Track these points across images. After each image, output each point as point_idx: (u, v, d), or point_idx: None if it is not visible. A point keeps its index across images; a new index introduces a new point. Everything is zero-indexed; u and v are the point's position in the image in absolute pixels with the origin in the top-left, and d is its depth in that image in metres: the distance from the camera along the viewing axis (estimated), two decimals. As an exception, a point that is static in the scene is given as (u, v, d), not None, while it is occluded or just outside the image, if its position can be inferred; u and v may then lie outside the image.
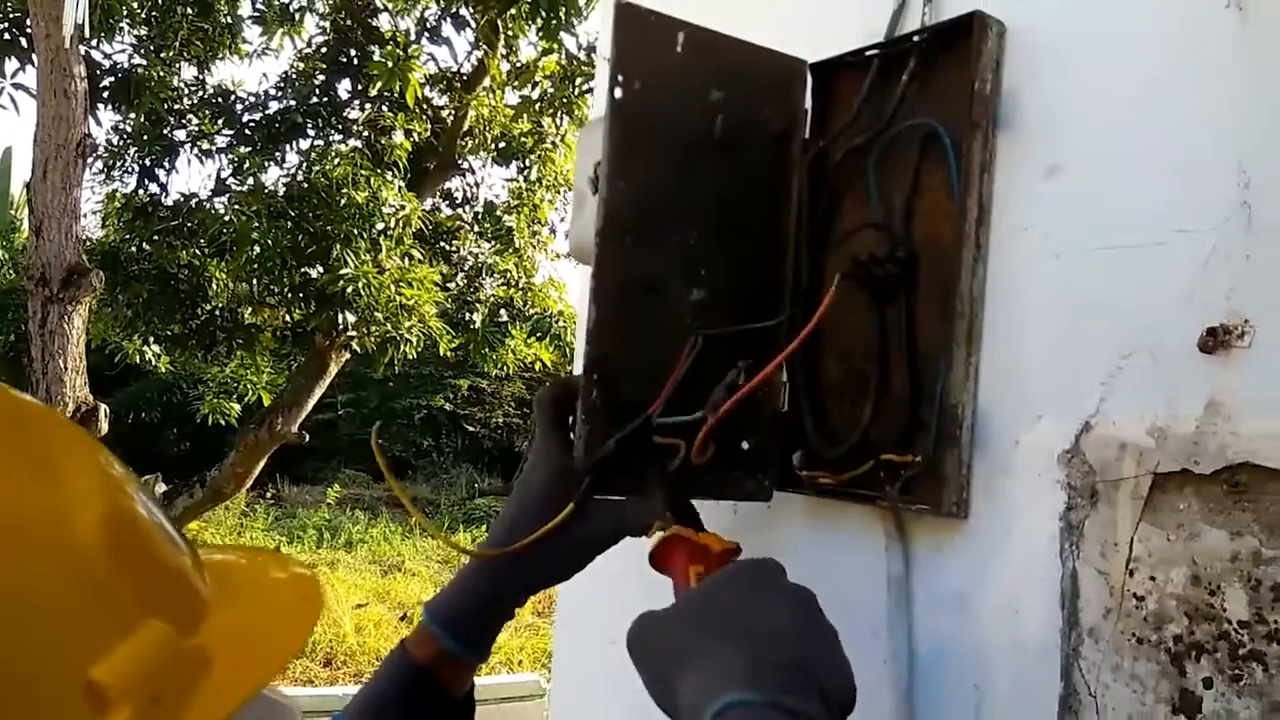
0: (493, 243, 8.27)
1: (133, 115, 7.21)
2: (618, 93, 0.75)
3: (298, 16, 7.35)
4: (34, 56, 5.20)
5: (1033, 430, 0.72)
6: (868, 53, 0.82)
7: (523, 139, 7.91)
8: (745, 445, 0.86)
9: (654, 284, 0.80)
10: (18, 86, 6.22)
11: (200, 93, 7.69)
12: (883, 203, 0.82)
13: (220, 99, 7.61)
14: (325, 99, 7.48)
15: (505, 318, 8.09)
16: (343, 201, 6.42)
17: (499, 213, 8.28)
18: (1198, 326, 0.62)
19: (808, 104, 0.87)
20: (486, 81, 7.72)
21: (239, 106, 7.55)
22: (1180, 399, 0.64)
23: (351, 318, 6.34)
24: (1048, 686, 0.69)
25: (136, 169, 7.45)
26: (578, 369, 0.88)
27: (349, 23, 7.39)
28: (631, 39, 0.76)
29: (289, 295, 6.76)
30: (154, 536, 0.48)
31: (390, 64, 6.76)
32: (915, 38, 0.78)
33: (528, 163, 8.10)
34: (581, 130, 0.93)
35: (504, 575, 0.76)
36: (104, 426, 5.12)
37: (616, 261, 0.77)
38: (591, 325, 0.77)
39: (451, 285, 8.15)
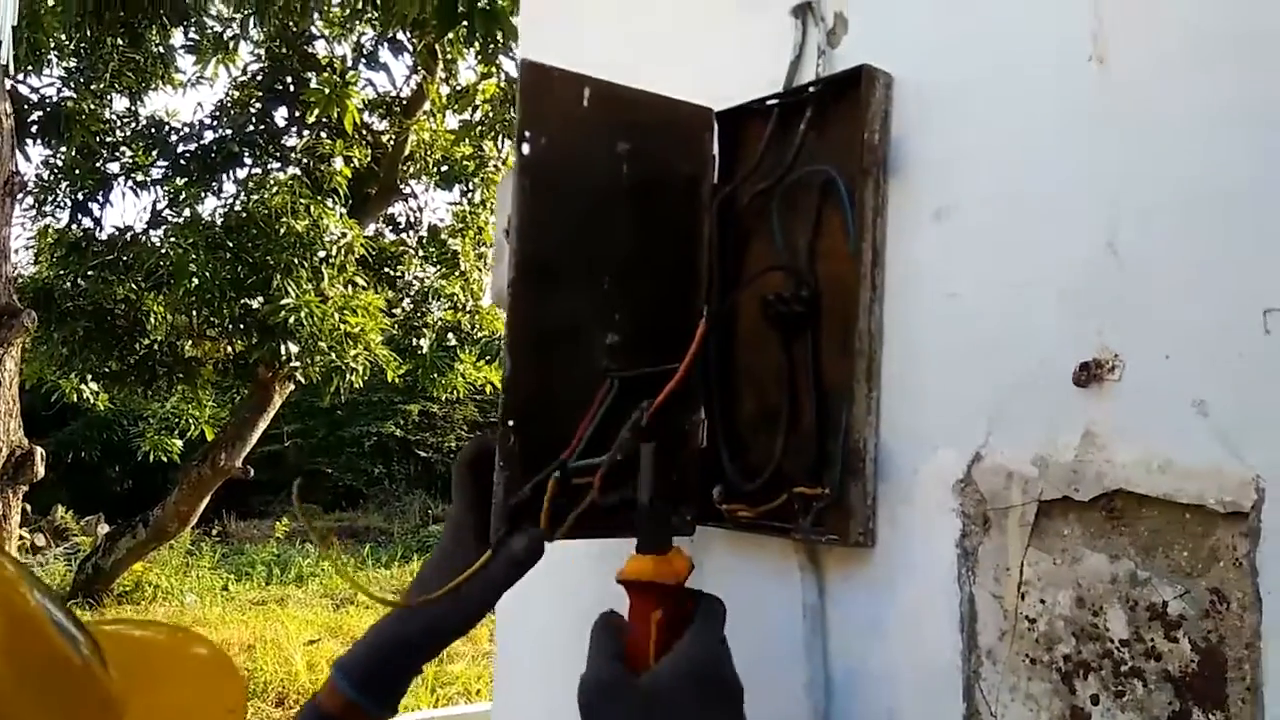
0: (438, 266, 8.25)
1: (63, 149, 7.08)
2: (525, 148, 0.78)
3: (231, 45, 7.29)
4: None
5: (930, 461, 0.75)
6: (769, 102, 0.86)
7: (465, 162, 7.91)
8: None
9: (568, 330, 0.83)
10: (-59, 123, 6.07)
11: (133, 124, 7.59)
12: (787, 244, 0.85)
13: (154, 130, 7.52)
14: (262, 127, 7.43)
15: (453, 341, 8.06)
16: (282, 231, 6.37)
17: (443, 236, 8.26)
18: (1072, 361, 0.66)
19: (715, 150, 0.90)
20: (426, 105, 7.72)
21: (174, 137, 7.46)
22: (1059, 430, 0.67)
23: (294, 348, 6.27)
24: (953, 707, 0.72)
25: (69, 203, 7.32)
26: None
27: (284, 50, 7.35)
28: (537, 96, 0.79)
29: (229, 327, 6.68)
30: (56, 643, 0.46)
31: (327, 90, 6.74)
32: (811, 89, 0.82)
33: (470, 186, 8.10)
34: (500, 182, 0.95)
35: (410, 627, 0.78)
36: (41, 470, 5.00)
37: (530, 310, 0.79)
38: (507, 374, 0.79)
39: (397, 310, 8.10)
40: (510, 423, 0.79)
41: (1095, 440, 0.66)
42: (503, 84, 7.15)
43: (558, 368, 0.82)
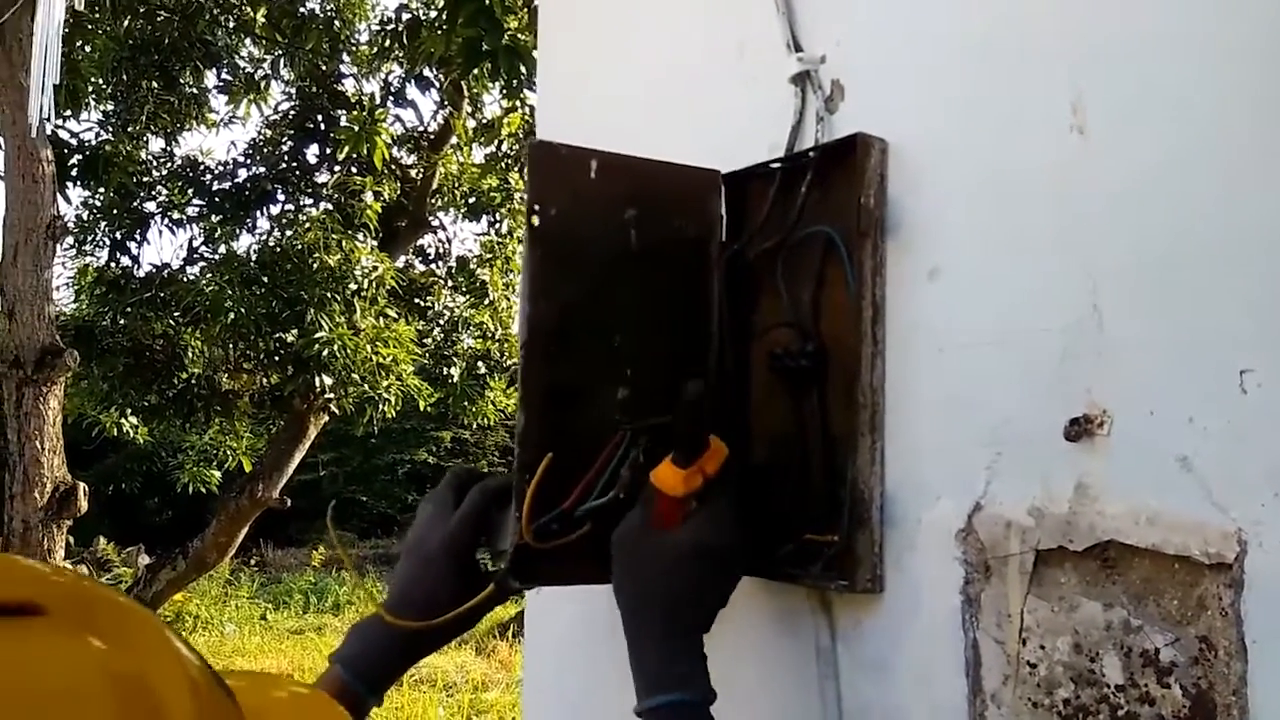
0: (467, 296, 8.33)
1: (102, 190, 7.26)
2: (535, 220, 0.82)
3: (263, 85, 7.46)
4: (0, 141, 5.26)
5: (933, 510, 0.78)
6: (771, 165, 0.90)
7: (491, 194, 8.00)
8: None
9: (580, 387, 0.87)
10: (-14, 170, 6.28)
11: (169, 164, 7.76)
12: (792, 300, 0.89)
13: (189, 169, 7.68)
14: (294, 164, 7.57)
15: (483, 370, 8.12)
16: (315, 265, 6.48)
17: (472, 266, 8.35)
18: (1063, 416, 0.69)
19: (723, 210, 0.94)
20: (453, 139, 7.84)
21: (208, 176, 7.62)
22: (1053, 482, 0.70)
23: (329, 380, 6.37)
24: (960, 749, 0.75)
25: (108, 243, 7.49)
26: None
27: (315, 89, 7.50)
28: (545, 172, 0.84)
29: (265, 360, 6.80)
30: (225, 705, 0.48)
31: (357, 128, 6.86)
32: (810, 154, 0.86)
33: (498, 216, 8.19)
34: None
35: (406, 639, 0.86)
36: (84, 505, 5.12)
37: (541, 371, 0.84)
38: (520, 429, 0.83)
39: (428, 340, 8.19)
40: (527, 475, 0.84)
41: (1088, 492, 0.69)
42: (527, 117, 7.25)
43: (570, 421, 0.87)
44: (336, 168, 7.29)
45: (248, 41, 7.44)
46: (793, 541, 0.86)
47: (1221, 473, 0.62)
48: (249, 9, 6.87)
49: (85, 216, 7.56)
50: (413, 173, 7.84)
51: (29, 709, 0.39)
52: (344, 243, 6.56)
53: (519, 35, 5.27)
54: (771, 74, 0.91)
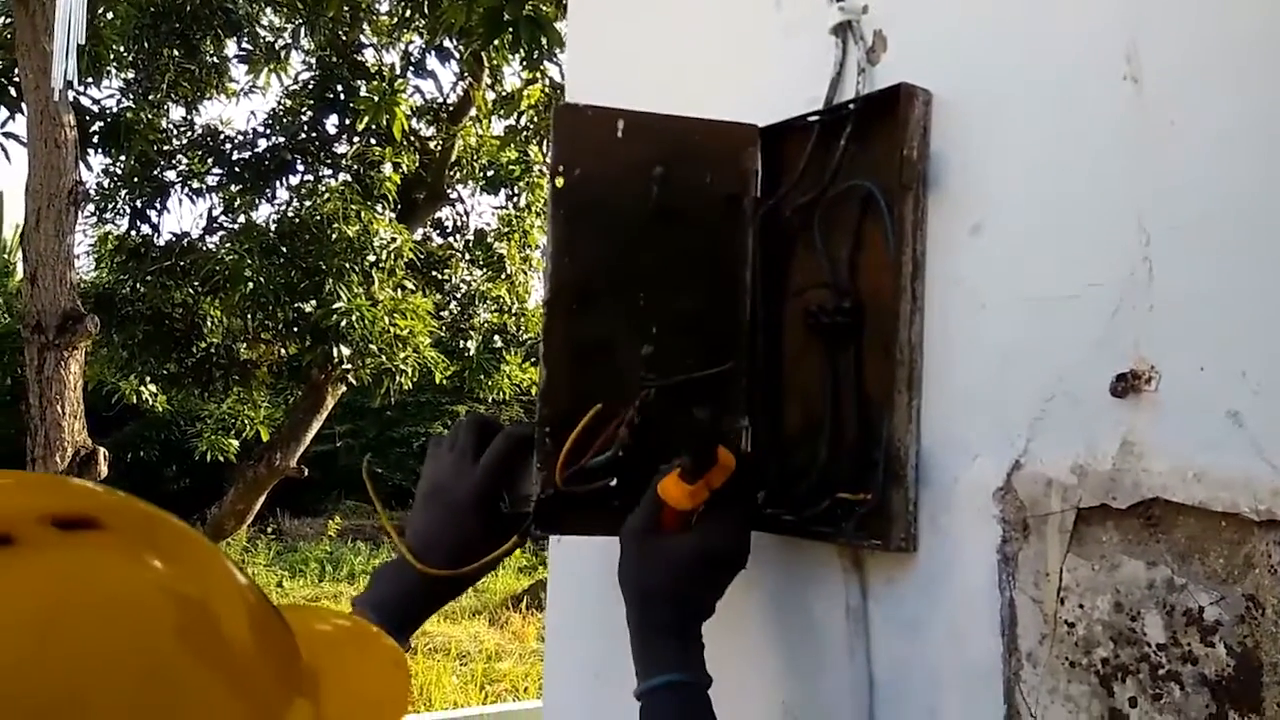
0: (484, 270, 8.34)
1: (123, 158, 7.28)
2: (559, 181, 0.82)
3: (284, 55, 7.46)
4: (24, 106, 5.27)
5: (970, 469, 0.77)
6: (809, 118, 0.88)
7: (510, 167, 7.99)
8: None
9: (603, 344, 0.87)
10: (8, 135, 6.31)
11: (189, 133, 7.78)
12: (829, 256, 0.88)
13: (209, 138, 7.70)
14: (313, 135, 7.58)
15: (500, 344, 8.14)
16: (334, 236, 6.50)
17: (489, 240, 8.36)
18: (1110, 372, 0.68)
19: (758, 165, 0.93)
20: (472, 111, 7.82)
21: (228, 145, 7.63)
22: (1098, 439, 0.69)
23: (346, 351, 6.40)
24: (993, 708, 0.74)
25: (128, 211, 7.52)
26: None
27: (335, 59, 7.48)
28: (570, 133, 0.83)
29: (283, 330, 6.83)
30: (279, 628, 0.48)
31: (377, 98, 6.86)
32: (851, 105, 0.84)
33: (516, 190, 8.18)
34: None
35: (432, 584, 0.87)
36: (103, 469, 5.16)
37: (564, 328, 0.84)
38: (542, 386, 0.83)
39: (445, 313, 8.21)
40: (546, 429, 0.84)
41: (1133, 449, 0.67)
42: (547, 89, 7.22)
43: (593, 378, 0.87)
44: (356, 138, 7.30)
45: (268, 10, 7.43)
46: (825, 500, 0.86)
47: (1274, 428, 0.60)
48: (270, -23, 6.85)
49: (106, 184, 7.58)
50: (432, 145, 7.84)
51: (86, 620, 0.39)
52: (363, 214, 6.57)
53: (540, 6, 5.23)
54: (811, 25, 0.90)
